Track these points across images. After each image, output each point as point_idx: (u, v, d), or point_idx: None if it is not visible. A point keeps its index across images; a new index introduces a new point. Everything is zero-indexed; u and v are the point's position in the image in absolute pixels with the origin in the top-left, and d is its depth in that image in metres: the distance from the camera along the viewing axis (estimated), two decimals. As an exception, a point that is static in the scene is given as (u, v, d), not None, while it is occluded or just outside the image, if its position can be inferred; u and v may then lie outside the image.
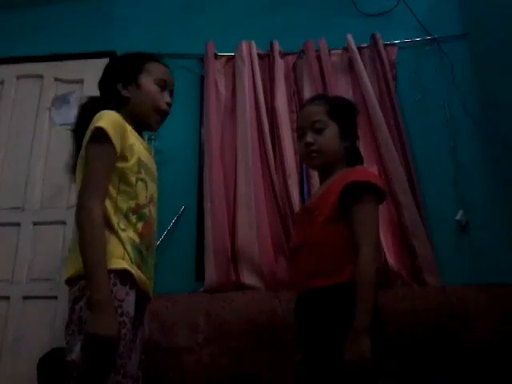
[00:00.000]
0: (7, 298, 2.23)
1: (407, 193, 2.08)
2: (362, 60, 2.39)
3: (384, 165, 2.17)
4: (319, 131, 1.38)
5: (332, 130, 1.39)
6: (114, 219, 1.17)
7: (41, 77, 2.66)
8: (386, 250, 1.99)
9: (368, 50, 2.45)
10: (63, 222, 2.34)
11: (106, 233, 1.14)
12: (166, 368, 1.70)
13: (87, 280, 1.08)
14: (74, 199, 2.33)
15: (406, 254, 2.03)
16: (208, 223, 2.10)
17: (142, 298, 1.24)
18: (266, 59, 2.48)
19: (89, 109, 1.34)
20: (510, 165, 2.10)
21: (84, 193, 1.18)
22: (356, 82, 2.37)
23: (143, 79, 1.33)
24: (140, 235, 1.21)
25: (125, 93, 1.33)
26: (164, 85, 1.34)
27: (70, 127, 2.46)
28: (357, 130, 1.50)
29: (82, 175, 1.22)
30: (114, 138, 1.18)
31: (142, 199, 1.24)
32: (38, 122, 2.56)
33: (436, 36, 2.48)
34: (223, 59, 2.51)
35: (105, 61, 2.64)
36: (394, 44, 2.48)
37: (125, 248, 1.16)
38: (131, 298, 1.14)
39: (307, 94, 2.35)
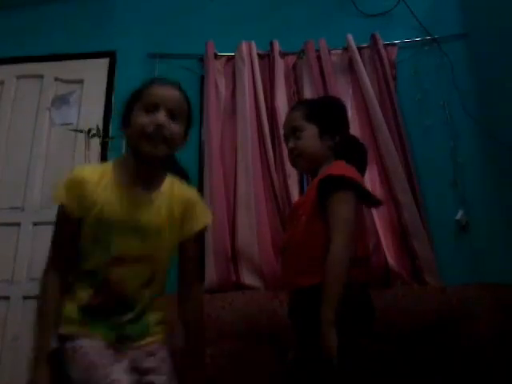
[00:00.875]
0: (7, 298, 2.23)
1: (407, 193, 2.08)
2: (362, 60, 2.39)
3: (384, 165, 2.17)
4: (299, 136, 1.42)
5: (309, 132, 1.41)
6: (73, 280, 1.19)
7: (41, 77, 2.66)
8: (386, 249, 1.99)
9: (368, 49, 2.45)
10: (63, 222, 2.33)
11: (66, 295, 1.17)
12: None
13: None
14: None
15: (405, 254, 2.03)
16: (208, 223, 2.10)
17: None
18: (266, 59, 2.48)
19: None
20: (510, 165, 2.10)
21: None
22: (356, 82, 2.37)
23: (134, 113, 1.20)
24: (93, 299, 1.15)
25: (126, 136, 1.24)
26: (152, 108, 1.17)
27: (69, 127, 2.50)
28: (344, 125, 1.48)
29: None
30: (65, 199, 1.16)
31: (94, 263, 1.16)
32: (38, 121, 2.56)
33: (436, 36, 2.48)
34: (223, 59, 2.51)
35: (105, 61, 2.67)
36: (394, 44, 2.48)
37: (72, 310, 1.15)
38: (87, 344, 1.10)
39: (307, 94, 2.35)
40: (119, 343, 1.14)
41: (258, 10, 2.69)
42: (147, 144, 1.17)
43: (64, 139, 2.51)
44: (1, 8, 2.84)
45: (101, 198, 1.16)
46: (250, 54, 2.43)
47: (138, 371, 1.13)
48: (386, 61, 2.37)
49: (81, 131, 2.32)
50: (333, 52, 2.48)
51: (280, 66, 2.42)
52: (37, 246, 2.32)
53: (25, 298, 2.22)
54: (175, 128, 1.21)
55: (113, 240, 1.15)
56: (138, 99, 1.21)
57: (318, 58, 2.42)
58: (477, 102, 2.34)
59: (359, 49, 2.43)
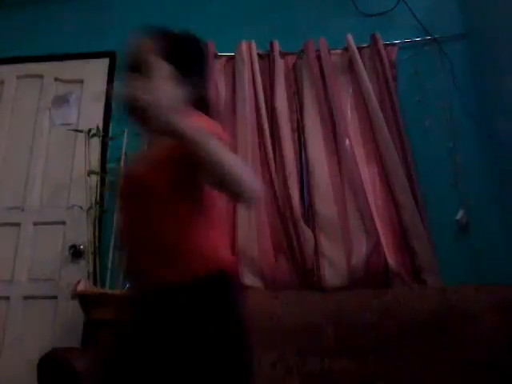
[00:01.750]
0: (7, 298, 2.23)
1: (407, 193, 2.08)
2: (362, 60, 2.39)
3: (384, 165, 2.17)
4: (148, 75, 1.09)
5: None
6: None
7: (41, 77, 2.66)
8: (386, 249, 1.99)
9: (368, 49, 2.45)
10: (63, 222, 2.34)
11: None
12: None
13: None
14: (74, 199, 2.37)
15: (406, 254, 2.03)
16: (208, 223, 2.09)
17: None
18: (266, 59, 2.48)
19: None
20: (510, 165, 2.10)
21: None
22: (356, 82, 2.37)
23: None
24: None
25: None
26: None
27: (69, 127, 2.50)
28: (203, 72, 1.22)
29: None
30: None
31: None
32: (38, 122, 2.56)
33: (436, 36, 2.48)
34: (223, 59, 2.51)
35: (105, 61, 2.67)
36: (394, 44, 2.47)
37: None
38: None
39: (307, 93, 2.35)
40: None
41: (258, 10, 2.68)
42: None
43: (64, 139, 2.51)
44: (1, 8, 2.84)
45: None
46: (250, 54, 2.43)
47: None
48: (385, 61, 2.37)
49: (81, 131, 2.32)
50: (333, 52, 2.48)
51: (280, 66, 2.42)
52: (37, 246, 2.32)
53: (25, 298, 2.23)
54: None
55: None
56: None
57: (318, 57, 2.42)
58: (477, 102, 2.34)
59: (359, 49, 2.42)
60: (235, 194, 0.93)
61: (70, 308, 2.16)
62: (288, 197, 2.13)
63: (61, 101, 2.61)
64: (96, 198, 2.20)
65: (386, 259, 1.96)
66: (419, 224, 2.04)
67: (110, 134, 2.45)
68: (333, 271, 2.01)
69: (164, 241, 1.00)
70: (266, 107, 2.32)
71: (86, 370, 1.38)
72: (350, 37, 2.43)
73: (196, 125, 0.92)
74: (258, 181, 0.98)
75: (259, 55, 2.47)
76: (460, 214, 2.15)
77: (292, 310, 1.79)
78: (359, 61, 2.36)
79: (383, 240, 2.02)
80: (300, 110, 2.37)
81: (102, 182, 2.31)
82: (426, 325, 1.71)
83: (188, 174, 0.99)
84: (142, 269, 1.03)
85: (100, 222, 2.23)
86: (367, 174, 2.19)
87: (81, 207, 2.24)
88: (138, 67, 1.09)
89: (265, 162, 2.21)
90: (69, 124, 2.54)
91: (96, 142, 2.29)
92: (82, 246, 2.25)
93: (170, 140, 0.92)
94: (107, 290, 1.99)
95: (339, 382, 1.66)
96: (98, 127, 2.31)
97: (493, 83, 2.28)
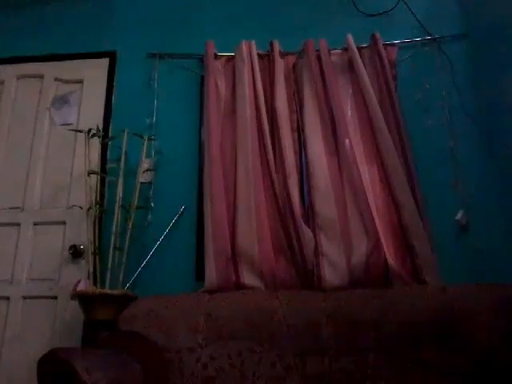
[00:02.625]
0: (7, 298, 2.23)
1: (407, 193, 2.08)
2: (362, 60, 2.39)
3: (384, 165, 2.17)
4: None
5: None
6: None
7: (41, 77, 2.66)
8: (386, 249, 1.99)
9: (368, 49, 2.45)
10: (63, 222, 2.34)
11: None
12: (166, 368, 1.70)
13: None
14: (74, 199, 2.37)
15: (406, 254, 2.03)
16: (208, 223, 2.10)
17: None
18: (266, 59, 2.48)
19: None
20: (510, 165, 2.10)
21: None
22: (356, 82, 2.37)
23: None
24: None
25: None
26: None
27: (69, 127, 2.50)
28: None
29: None
30: None
31: None
32: (38, 121, 2.56)
33: (436, 36, 2.48)
34: (223, 59, 2.51)
35: (105, 61, 2.67)
36: (394, 44, 2.48)
37: None
38: None
39: (307, 93, 2.35)
40: None
41: (258, 10, 2.69)
42: None
43: (64, 139, 2.51)
44: (1, 8, 2.84)
45: None
46: (250, 54, 2.43)
47: None
48: (385, 61, 2.37)
49: (81, 131, 2.32)
50: (333, 52, 2.48)
51: (280, 66, 2.42)
52: (37, 246, 2.32)
53: (25, 298, 2.23)
54: None
55: None
56: None
57: (318, 57, 2.42)
58: (477, 102, 2.35)
59: (359, 49, 2.43)
60: None
61: (69, 308, 2.16)
62: (288, 197, 2.13)
63: (61, 101, 2.61)
64: (96, 198, 2.20)
65: (385, 259, 1.96)
66: (419, 224, 2.03)
67: (110, 134, 2.45)
68: (333, 271, 2.01)
69: None
70: (266, 107, 2.32)
71: (86, 370, 1.38)
72: (349, 37, 2.43)
73: None
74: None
75: (259, 55, 2.47)
76: (460, 214, 2.15)
77: (292, 310, 1.78)
78: (359, 61, 2.36)
79: (383, 240, 2.02)
80: (300, 109, 2.37)
81: (102, 182, 2.31)
82: (425, 324, 1.71)
83: None
84: None
85: (100, 222, 2.23)
86: (367, 174, 2.19)
87: (81, 207, 2.24)
88: None
89: (265, 161, 2.21)
90: (69, 124, 2.55)
91: (96, 142, 2.29)
92: (82, 246, 2.25)
93: None
94: (107, 290, 1.99)
95: (339, 382, 1.66)
96: (97, 127, 2.31)
97: (493, 83, 2.28)
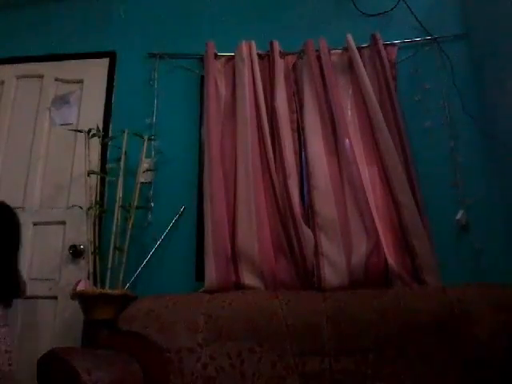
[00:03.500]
0: (7, 298, 2.23)
1: (407, 193, 2.08)
2: (362, 60, 2.39)
3: (384, 165, 2.17)
4: None
5: None
6: None
7: (41, 77, 2.66)
8: (386, 249, 1.99)
9: (368, 49, 2.45)
10: (63, 222, 2.34)
11: None
12: (166, 368, 1.70)
13: None
14: (74, 199, 2.37)
15: (406, 254, 2.03)
16: (208, 223, 2.10)
17: None
18: (266, 59, 2.48)
19: None
20: (510, 165, 2.10)
21: None
22: (356, 82, 2.37)
23: None
24: None
25: None
26: None
27: (69, 127, 2.50)
28: None
29: None
30: None
31: None
32: (38, 121, 2.57)
33: (436, 36, 2.48)
34: (223, 59, 2.51)
35: (105, 61, 2.67)
36: (394, 44, 2.48)
37: None
38: None
39: (307, 94, 2.35)
40: None
41: (257, 10, 2.69)
42: None
43: (64, 139, 2.51)
44: (1, 8, 2.84)
45: None
46: (250, 54, 2.43)
47: None
48: (385, 61, 2.37)
49: (81, 131, 2.32)
50: (333, 52, 2.48)
51: (280, 66, 2.42)
52: (37, 245, 2.32)
53: (25, 297, 2.22)
54: None
55: None
56: None
57: (318, 58, 2.42)
58: (477, 102, 2.34)
59: (359, 49, 2.42)
60: None
61: (69, 308, 2.16)
62: (288, 197, 2.13)
63: (61, 101, 2.61)
64: (96, 198, 2.20)
65: (386, 259, 1.96)
66: (419, 224, 2.03)
67: (110, 134, 2.45)
68: (333, 271, 2.01)
69: None
70: (266, 107, 2.32)
71: (87, 370, 1.38)
72: (349, 37, 2.43)
73: None
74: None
75: (259, 55, 2.47)
76: (460, 214, 2.15)
77: (292, 310, 1.78)
78: (359, 61, 2.36)
79: (383, 240, 2.02)
80: (300, 109, 2.37)
81: (102, 182, 2.31)
82: (425, 325, 1.71)
83: None
84: None
85: (100, 222, 2.23)
86: (367, 174, 2.19)
87: (81, 207, 2.24)
88: None
89: (265, 161, 2.21)
90: (69, 124, 2.55)
91: (96, 142, 2.29)
92: (82, 246, 2.25)
93: None
94: (107, 290, 1.99)
95: (339, 382, 1.66)
96: (97, 127, 2.31)
97: (493, 83, 2.28)
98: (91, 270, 2.08)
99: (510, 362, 1.62)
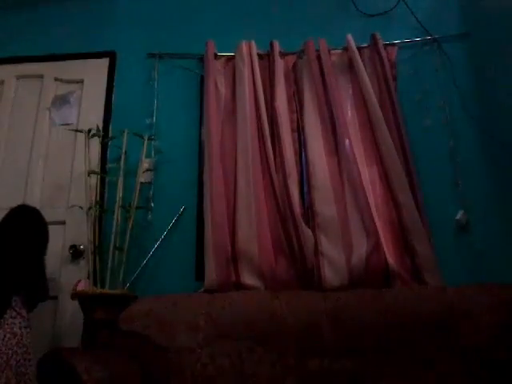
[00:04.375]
0: (7, 297, 2.23)
1: (407, 193, 2.08)
2: (362, 60, 2.39)
3: (384, 165, 2.17)
4: None
5: None
6: None
7: (41, 77, 2.66)
8: (386, 249, 1.99)
9: (368, 49, 2.45)
10: (63, 222, 2.34)
11: None
12: (166, 368, 1.70)
13: None
14: (74, 199, 2.37)
15: (405, 254, 2.03)
16: (208, 223, 2.10)
17: None
18: (266, 59, 2.48)
19: None
20: (510, 165, 2.10)
21: None
22: (356, 82, 2.37)
23: None
24: None
25: None
26: None
27: (69, 127, 2.50)
28: None
29: None
30: None
31: None
32: (38, 121, 2.56)
33: (436, 36, 2.48)
34: (223, 59, 2.51)
35: (105, 61, 2.67)
36: (394, 44, 2.48)
37: None
38: None
39: (307, 93, 2.35)
40: None
41: (258, 10, 2.69)
42: None
43: (64, 139, 2.51)
44: (1, 8, 2.84)
45: None
46: (250, 54, 2.43)
47: None
48: (385, 61, 2.37)
49: (81, 131, 2.32)
50: (333, 52, 2.48)
51: (280, 66, 2.42)
52: (37, 245, 2.32)
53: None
54: None
55: None
56: None
57: (318, 58, 2.42)
58: (477, 102, 2.35)
59: (359, 49, 2.43)
60: None
61: (69, 308, 2.16)
62: (288, 197, 2.13)
63: (61, 101, 2.61)
64: (96, 198, 2.20)
65: (386, 259, 1.96)
66: (419, 224, 2.03)
67: (110, 134, 2.45)
68: (333, 271, 2.01)
69: None
70: (266, 107, 2.32)
71: (87, 370, 1.38)
72: (349, 37, 2.43)
73: None
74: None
75: (259, 55, 2.47)
76: (460, 214, 2.15)
77: (292, 310, 1.78)
78: (359, 61, 2.36)
79: (383, 240, 2.02)
80: (300, 109, 2.38)
81: (102, 181, 2.31)
82: (426, 325, 1.71)
83: None
84: None
85: (100, 222, 2.23)
86: (367, 174, 2.19)
87: (81, 207, 2.24)
88: None
89: (265, 161, 2.21)
90: (69, 124, 2.55)
91: (96, 142, 2.29)
92: (81, 246, 2.25)
93: None
94: (107, 290, 1.99)
95: (339, 382, 1.66)
96: (98, 127, 2.31)
97: (493, 83, 2.28)
98: (91, 270, 2.08)
99: (510, 362, 1.63)
